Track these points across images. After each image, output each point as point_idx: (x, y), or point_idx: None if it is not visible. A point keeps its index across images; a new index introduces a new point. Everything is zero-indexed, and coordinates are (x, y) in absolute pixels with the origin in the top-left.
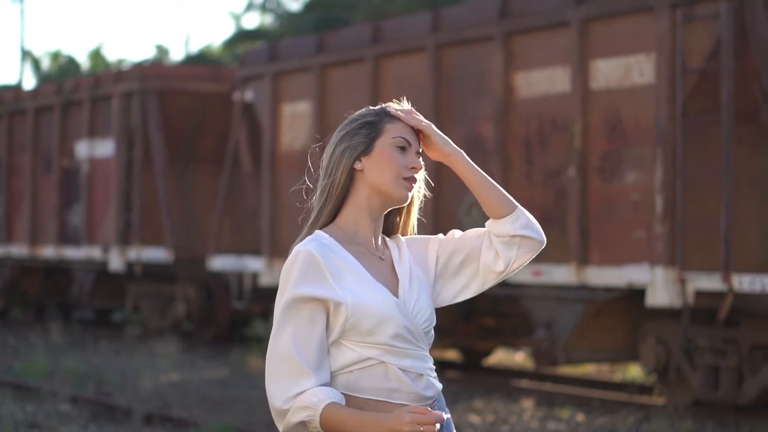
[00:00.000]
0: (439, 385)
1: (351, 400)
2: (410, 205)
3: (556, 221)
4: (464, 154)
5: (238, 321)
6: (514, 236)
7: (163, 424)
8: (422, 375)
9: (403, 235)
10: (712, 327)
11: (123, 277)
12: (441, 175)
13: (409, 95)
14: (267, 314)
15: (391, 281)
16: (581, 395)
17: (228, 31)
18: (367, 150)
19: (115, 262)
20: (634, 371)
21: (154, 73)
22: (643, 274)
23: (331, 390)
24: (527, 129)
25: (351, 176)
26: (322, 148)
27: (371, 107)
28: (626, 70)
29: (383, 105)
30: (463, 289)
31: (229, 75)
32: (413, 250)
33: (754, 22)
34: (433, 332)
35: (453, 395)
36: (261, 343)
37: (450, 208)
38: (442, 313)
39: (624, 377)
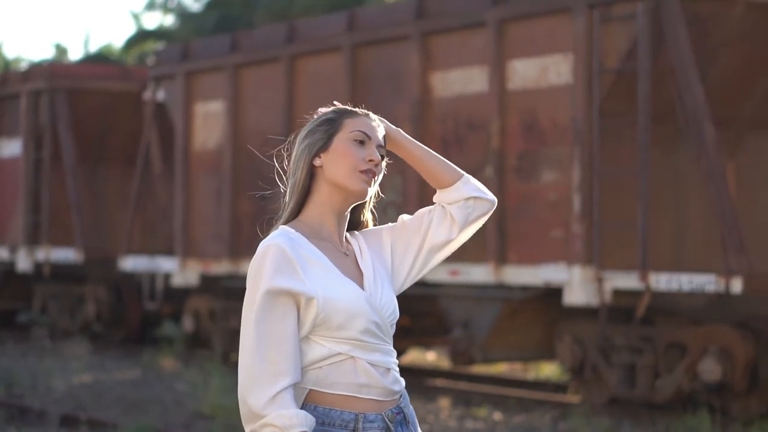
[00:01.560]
0: (403, 380)
1: (320, 396)
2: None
3: None
4: (402, 131)
5: (149, 322)
6: (467, 199)
7: (79, 425)
8: (389, 369)
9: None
10: (628, 325)
11: (31, 277)
12: None
13: (324, 95)
14: (178, 315)
15: (356, 276)
16: (497, 394)
17: (128, 30)
18: (325, 146)
19: (23, 262)
20: (547, 370)
21: (63, 72)
22: (561, 273)
23: (306, 415)
24: (444, 129)
25: (312, 173)
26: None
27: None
28: (543, 71)
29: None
30: (411, 267)
31: (139, 74)
32: (370, 243)
33: (671, 22)
34: (395, 326)
35: None
36: (172, 344)
37: None
38: None
39: (537, 376)
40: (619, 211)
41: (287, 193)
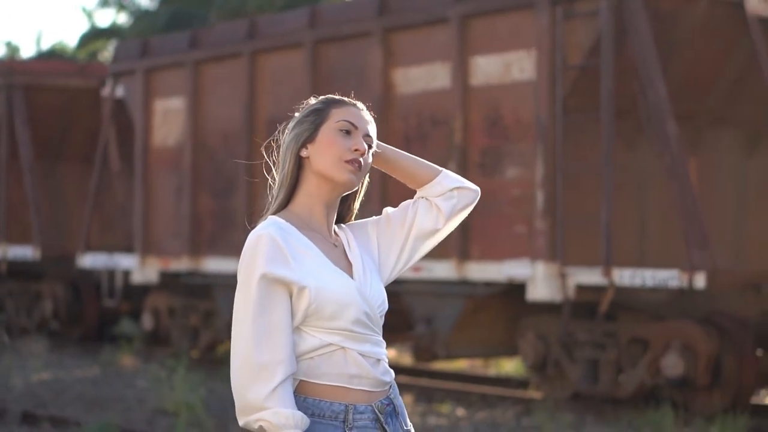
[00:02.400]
0: (393, 372)
1: (310, 387)
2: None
3: None
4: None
5: (107, 319)
6: (452, 190)
7: (41, 423)
8: (379, 360)
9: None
10: (591, 321)
11: None
12: None
13: (286, 91)
14: (137, 313)
15: (345, 267)
16: (459, 390)
17: (80, 27)
18: (312, 136)
19: None
20: (509, 366)
21: (21, 68)
22: (524, 269)
23: (302, 417)
24: (407, 125)
25: (300, 165)
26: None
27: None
28: (506, 67)
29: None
30: (398, 258)
31: (98, 71)
32: (357, 236)
33: (634, 18)
34: (384, 317)
35: None
36: (131, 342)
37: None
38: None
39: (498, 372)
40: (583, 206)
41: (276, 185)
